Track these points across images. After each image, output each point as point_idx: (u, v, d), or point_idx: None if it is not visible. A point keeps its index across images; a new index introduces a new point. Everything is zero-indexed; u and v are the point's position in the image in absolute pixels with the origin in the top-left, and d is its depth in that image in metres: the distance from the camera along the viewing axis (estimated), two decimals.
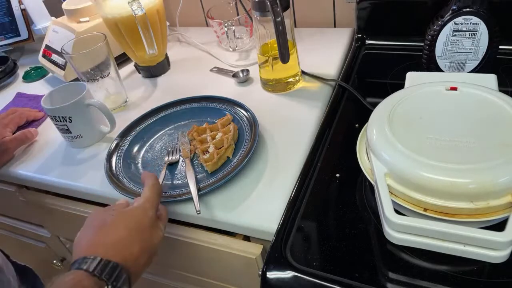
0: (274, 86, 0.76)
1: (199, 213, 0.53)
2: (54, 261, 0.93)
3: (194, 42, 1.00)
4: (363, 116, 0.56)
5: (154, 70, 0.90)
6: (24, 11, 1.06)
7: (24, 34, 1.08)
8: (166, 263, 0.70)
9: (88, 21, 0.86)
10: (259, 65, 0.76)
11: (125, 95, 0.83)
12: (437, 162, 0.42)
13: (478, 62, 0.65)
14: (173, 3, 1.06)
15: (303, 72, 0.79)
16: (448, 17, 0.62)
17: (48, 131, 0.80)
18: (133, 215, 0.48)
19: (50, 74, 0.99)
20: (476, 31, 0.62)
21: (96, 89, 0.78)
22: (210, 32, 0.98)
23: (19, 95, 0.94)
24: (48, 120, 0.84)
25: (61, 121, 0.70)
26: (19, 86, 0.99)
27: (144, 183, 0.53)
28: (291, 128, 0.67)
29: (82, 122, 0.71)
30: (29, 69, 1.03)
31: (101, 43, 0.74)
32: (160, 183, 0.58)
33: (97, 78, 0.77)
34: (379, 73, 0.77)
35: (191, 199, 0.55)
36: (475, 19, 0.61)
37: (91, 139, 0.74)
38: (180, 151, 0.66)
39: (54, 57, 0.91)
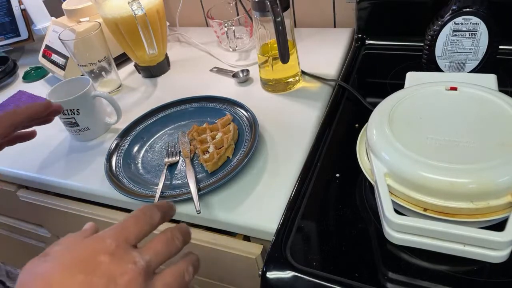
0: (274, 86, 0.76)
1: (199, 213, 0.53)
2: None
3: (194, 42, 1.00)
4: (363, 116, 0.56)
5: (154, 70, 0.90)
6: (24, 11, 1.06)
7: (24, 34, 1.08)
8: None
9: (88, 21, 0.86)
10: (259, 65, 0.76)
11: (119, 80, 0.88)
12: (437, 162, 0.42)
13: (478, 62, 0.65)
14: (173, 3, 1.06)
15: (303, 72, 0.79)
16: (448, 17, 0.62)
17: (48, 131, 0.80)
18: (76, 249, 0.32)
19: (50, 74, 0.99)
20: (476, 31, 0.62)
21: (93, 75, 0.84)
22: (210, 32, 0.98)
23: (21, 93, 0.94)
24: None
25: (69, 114, 0.70)
26: (19, 86, 0.99)
27: None
28: (291, 128, 0.67)
29: (89, 114, 0.72)
30: (29, 69, 1.03)
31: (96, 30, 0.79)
32: (161, 184, 0.59)
33: (95, 62, 0.82)
34: (379, 73, 0.77)
35: (191, 199, 0.55)
36: (475, 19, 0.61)
37: (98, 131, 0.75)
38: (180, 151, 0.66)
39: (54, 57, 0.91)
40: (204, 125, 0.68)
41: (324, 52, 0.85)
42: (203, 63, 0.91)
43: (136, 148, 0.69)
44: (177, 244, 0.35)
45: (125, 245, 0.32)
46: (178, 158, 0.65)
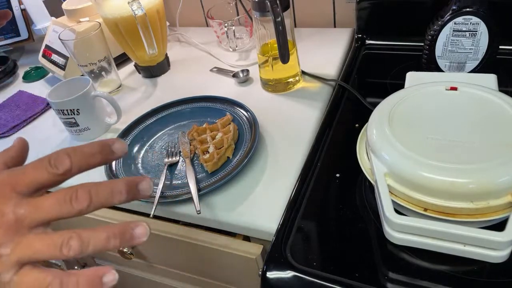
0: (274, 86, 0.76)
1: (199, 213, 0.53)
2: (54, 261, 0.93)
3: (194, 42, 1.00)
4: (363, 116, 0.56)
5: (154, 70, 0.90)
6: (24, 11, 1.06)
7: (24, 34, 1.08)
8: (166, 263, 0.70)
9: (88, 21, 0.86)
10: (259, 65, 0.76)
11: (119, 80, 0.88)
12: (437, 162, 0.42)
13: (478, 62, 0.65)
14: (173, 3, 1.06)
15: (303, 72, 0.79)
16: (448, 17, 0.62)
17: (48, 131, 0.80)
18: None
19: (50, 74, 0.99)
20: (476, 31, 0.62)
21: (93, 75, 0.84)
22: (210, 32, 0.98)
23: (21, 93, 0.94)
24: (47, 119, 0.84)
25: (69, 114, 0.70)
26: (19, 86, 0.99)
27: None
28: (291, 128, 0.67)
29: (89, 114, 0.72)
30: (29, 69, 1.03)
31: (97, 30, 0.79)
32: (161, 184, 0.58)
33: (95, 62, 0.82)
34: (379, 73, 0.77)
35: (191, 199, 0.55)
36: (475, 19, 0.61)
37: (98, 131, 0.75)
38: (180, 151, 0.66)
39: (54, 57, 0.91)
40: (204, 125, 0.68)
41: (324, 52, 0.85)
42: (203, 63, 0.91)
43: (136, 148, 0.69)
44: (73, 207, 0.29)
45: (7, 192, 0.28)
46: (178, 158, 0.65)
